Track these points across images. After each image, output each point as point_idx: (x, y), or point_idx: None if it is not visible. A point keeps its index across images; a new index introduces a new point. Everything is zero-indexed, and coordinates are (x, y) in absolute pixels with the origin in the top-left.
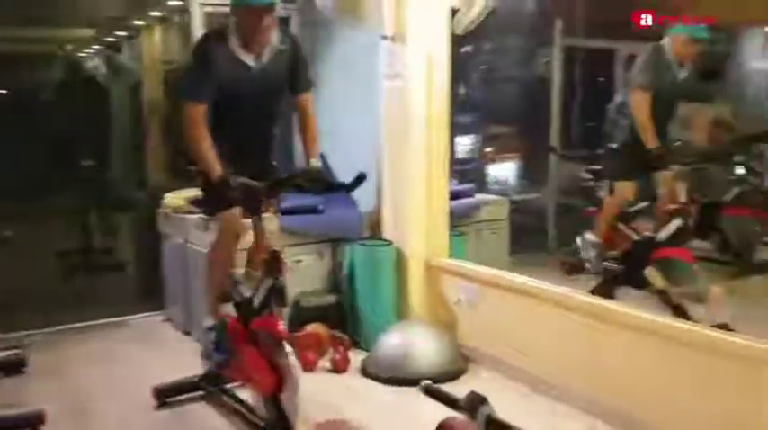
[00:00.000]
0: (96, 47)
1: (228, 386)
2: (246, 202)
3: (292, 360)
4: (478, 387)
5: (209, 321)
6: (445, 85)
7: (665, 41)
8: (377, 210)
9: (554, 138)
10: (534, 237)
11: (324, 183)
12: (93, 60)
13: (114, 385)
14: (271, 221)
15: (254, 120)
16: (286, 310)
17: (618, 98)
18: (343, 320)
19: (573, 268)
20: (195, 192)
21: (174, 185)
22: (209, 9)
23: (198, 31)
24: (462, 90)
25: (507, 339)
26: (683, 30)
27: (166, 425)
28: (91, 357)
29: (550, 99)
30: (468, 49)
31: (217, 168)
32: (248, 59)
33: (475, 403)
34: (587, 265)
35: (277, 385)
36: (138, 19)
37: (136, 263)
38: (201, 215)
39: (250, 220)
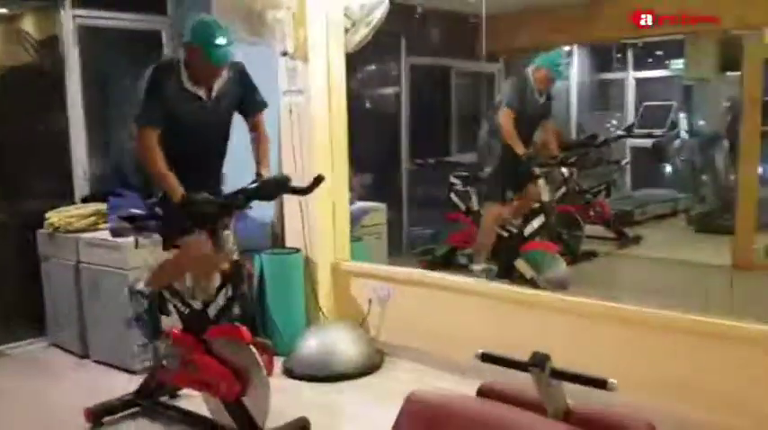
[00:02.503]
0: None
1: (163, 399)
2: (212, 218)
3: (259, 362)
4: (401, 376)
5: (141, 285)
6: (343, 99)
7: (528, 71)
8: (278, 220)
9: (404, 149)
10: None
11: (287, 190)
12: None
13: (22, 415)
14: (230, 235)
15: (207, 147)
16: None
17: (486, 124)
18: (254, 328)
19: (429, 266)
20: (81, 210)
21: None
22: (85, 22)
23: (71, 44)
24: None
25: (416, 330)
26: (544, 64)
27: None
28: None
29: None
30: None
31: (178, 188)
32: (200, 92)
33: (541, 360)
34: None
35: (242, 390)
36: None
37: None
38: (136, 233)
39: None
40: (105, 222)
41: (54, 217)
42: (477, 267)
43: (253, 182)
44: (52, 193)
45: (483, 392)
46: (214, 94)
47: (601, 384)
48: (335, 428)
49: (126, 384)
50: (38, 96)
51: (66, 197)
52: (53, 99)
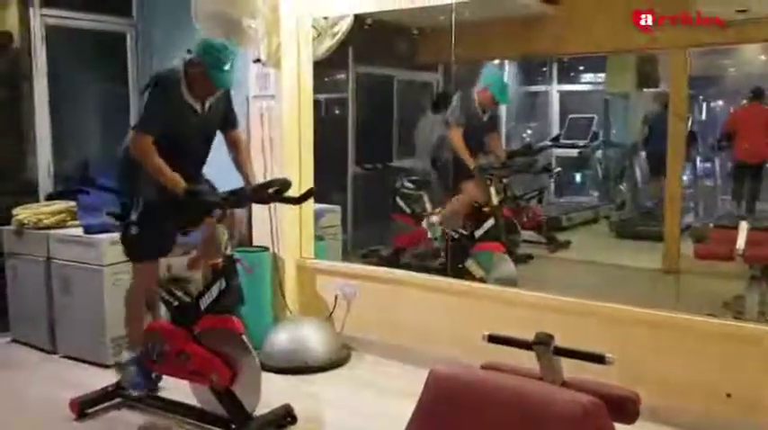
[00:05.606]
0: None
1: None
2: (211, 209)
3: (251, 351)
4: (368, 368)
5: (126, 355)
6: (311, 105)
7: (474, 90)
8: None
9: (350, 154)
10: None
11: (281, 198)
12: None
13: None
14: (224, 230)
15: (195, 153)
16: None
17: (439, 131)
18: None
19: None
20: (50, 207)
21: None
22: (52, 21)
23: (38, 43)
24: None
25: (380, 324)
26: (490, 87)
27: None
28: None
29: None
30: None
31: (180, 181)
32: (196, 105)
33: (546, 338)
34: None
35: (233, 378)
36: None
37: None
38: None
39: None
40: (74, 219)
41: (22, 213)
42: (434, 218)
43: (247, 184)
44: (15, 192)
45: (487, 368)
46: (207, 107)
47: (599, 359)
48: (318, 413)
49: (100, 377)
50: None
51: (29, 195)
52: (13, 96)
